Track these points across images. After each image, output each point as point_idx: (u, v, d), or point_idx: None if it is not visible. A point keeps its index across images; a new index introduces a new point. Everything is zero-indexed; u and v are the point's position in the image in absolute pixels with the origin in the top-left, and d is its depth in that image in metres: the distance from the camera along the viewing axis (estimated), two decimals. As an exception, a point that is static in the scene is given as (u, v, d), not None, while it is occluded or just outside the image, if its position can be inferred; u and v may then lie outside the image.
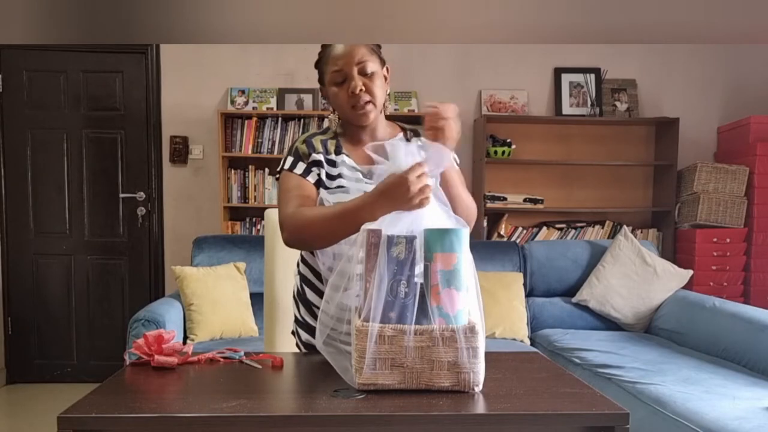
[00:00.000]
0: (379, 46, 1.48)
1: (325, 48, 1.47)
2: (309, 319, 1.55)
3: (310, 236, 1.34)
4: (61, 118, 3.82)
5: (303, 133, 3.79)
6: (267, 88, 3.86)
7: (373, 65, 1.43)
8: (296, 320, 1.61)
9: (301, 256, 1.57)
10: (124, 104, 3.86)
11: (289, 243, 1.38)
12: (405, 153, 1.21)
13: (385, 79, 1.48)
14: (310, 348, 1.53)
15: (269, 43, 3.56)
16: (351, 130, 1.50)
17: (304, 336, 1.56)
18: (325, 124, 3.65)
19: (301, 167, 1.45)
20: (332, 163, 1.47)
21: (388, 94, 1.52)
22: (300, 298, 1.57)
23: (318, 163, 1.45)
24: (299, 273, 1.58)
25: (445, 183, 1.38)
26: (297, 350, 1.64)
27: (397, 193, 1.16)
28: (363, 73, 1.42)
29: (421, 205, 1.16)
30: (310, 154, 1.46)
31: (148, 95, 3.85)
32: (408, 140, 1.52)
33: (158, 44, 3.81)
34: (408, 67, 3.90)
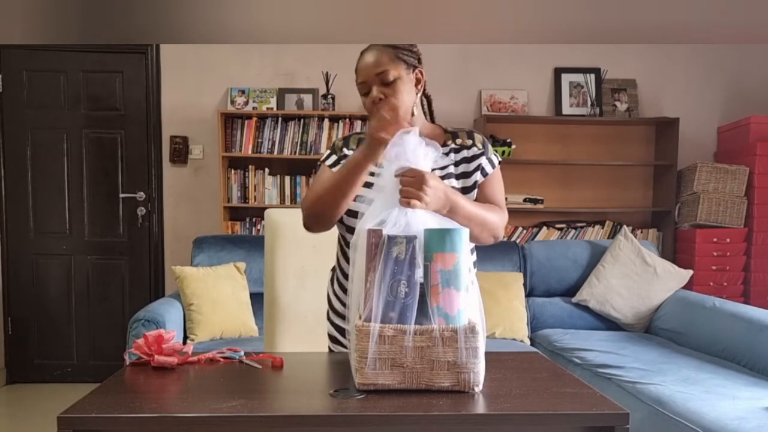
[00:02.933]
0: (408, 51, 1.47)
1: (359, 58, 1.49)
2: (331, 315, 1.62)
3: (319, 204, 1.43)
4: (61, 118, 3.82)
5: (303, 134, 3.80)
6: (267, 88, 3.86)
7: (394, 72, 1.43)
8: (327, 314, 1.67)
9: (340, 246, 1.60)
10: (124, 104, 3.86)
11: (307, 222, 1.47)
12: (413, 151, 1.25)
13: (418, 81, 1.49)
14: (335, 341, 1.61)
15: (269, 43, 3.56)
16: None
17: (328, 328, 1.64)
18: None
19: (332, 159, 1.55)
20: None
21: (426, 96, 1.53)
22: (330, 285, 1.64)
23: (347, 158, 1.51)
24: (336, 267, 1.62)
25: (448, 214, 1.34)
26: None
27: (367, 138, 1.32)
28: (384, 82, 1.43)
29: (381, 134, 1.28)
30: (342, 149, 1.55)
31: (148, 95, 3.85)
32: (446, 144, 1.53)
33: (158, 44, 3.81)
34: (408, 67, 3.89)
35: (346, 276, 1.50)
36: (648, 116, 3.98)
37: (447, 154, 1.50)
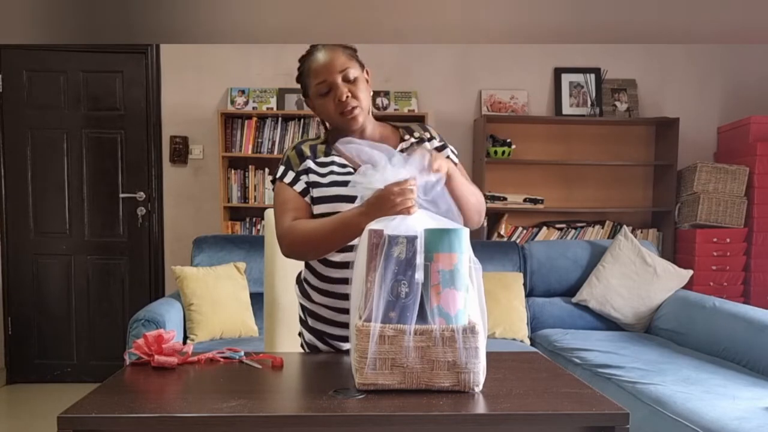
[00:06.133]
0: (355, 51, 1.48)
1: (304, 61, 1.47)
2: (311, 321, 1.56)
3: (307, 248, 1.42)
4: (61, 118, 3.82)
5: (303, 133, 3.80)
6: (267, 88, 3.86)
7: (354, 71, 1.44)
8: (301, 321, 1.62)
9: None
10: (124, 104, 3.86)
11: (288, 256, 1.46)
12: (389, 166, 1.25)
13: (367, 81, 1.49)
14: (313, 349, 1.56)
15: (269, 43, 3.55)
16: (341, 134, 1.48)
17: (308, 336, 1.58)
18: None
19: (290, 176, 1.48)
20: (322, 165, 1.48)
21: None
22: (304, 299, 1.58)
23: (307, 171, 1.48)
24: (303, 278, 1.58)
25: (448, 181, 1.34)
26: (298, 350, 1.64)
27: (383, 203, 1.23)
28: (346, 79, 1.43)
29: (404, 211, 1.21)
30: (299, 163, 1.49)
31: (148, 95, 3.85)
32: (403, 139, 1.53)
33: (158, 44, 3.81)
34: (408, 67, 3.89)
35: (331, 281, 1.48)
36: (648, 116, 3.98)
37: (408, 147, 1.49)
